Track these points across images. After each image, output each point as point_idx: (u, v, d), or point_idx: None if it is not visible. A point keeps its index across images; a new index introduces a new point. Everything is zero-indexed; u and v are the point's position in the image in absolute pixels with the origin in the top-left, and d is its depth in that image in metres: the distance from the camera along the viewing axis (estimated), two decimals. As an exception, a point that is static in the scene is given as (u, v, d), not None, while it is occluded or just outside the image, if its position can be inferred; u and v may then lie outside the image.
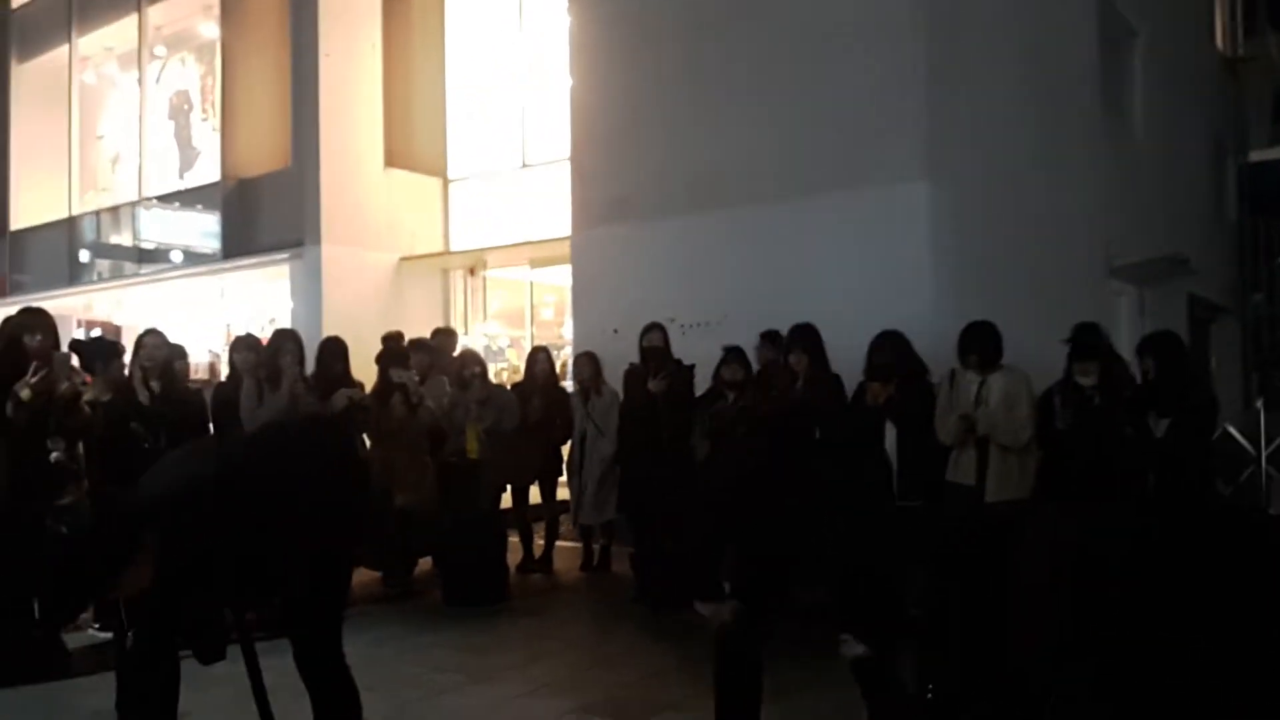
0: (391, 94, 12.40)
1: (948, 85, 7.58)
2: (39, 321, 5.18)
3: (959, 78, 7.76)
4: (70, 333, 13.19)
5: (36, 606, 3.86)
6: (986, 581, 5.34)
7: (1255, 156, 16.89)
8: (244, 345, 6.25)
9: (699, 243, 8.19)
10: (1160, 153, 11.82)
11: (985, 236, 7.77)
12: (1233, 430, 9.66)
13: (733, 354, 6.16)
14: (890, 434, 5.62)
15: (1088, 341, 5.32)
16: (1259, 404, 10.32)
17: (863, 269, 7.34)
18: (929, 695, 2.98)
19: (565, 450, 7.44)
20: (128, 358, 5.94)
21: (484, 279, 12.68)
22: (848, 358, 5.75)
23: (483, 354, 8.76)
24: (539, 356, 7.74)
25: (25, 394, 4.73)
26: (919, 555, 5.44)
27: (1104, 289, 10.05)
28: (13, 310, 5.63)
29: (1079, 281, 9.33)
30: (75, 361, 5.25)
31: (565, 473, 7.37)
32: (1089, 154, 9.85)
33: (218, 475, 2.88)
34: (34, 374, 4.74)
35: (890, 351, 5.56)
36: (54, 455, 4.98)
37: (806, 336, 5.84)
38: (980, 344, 5.39)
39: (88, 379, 5.63)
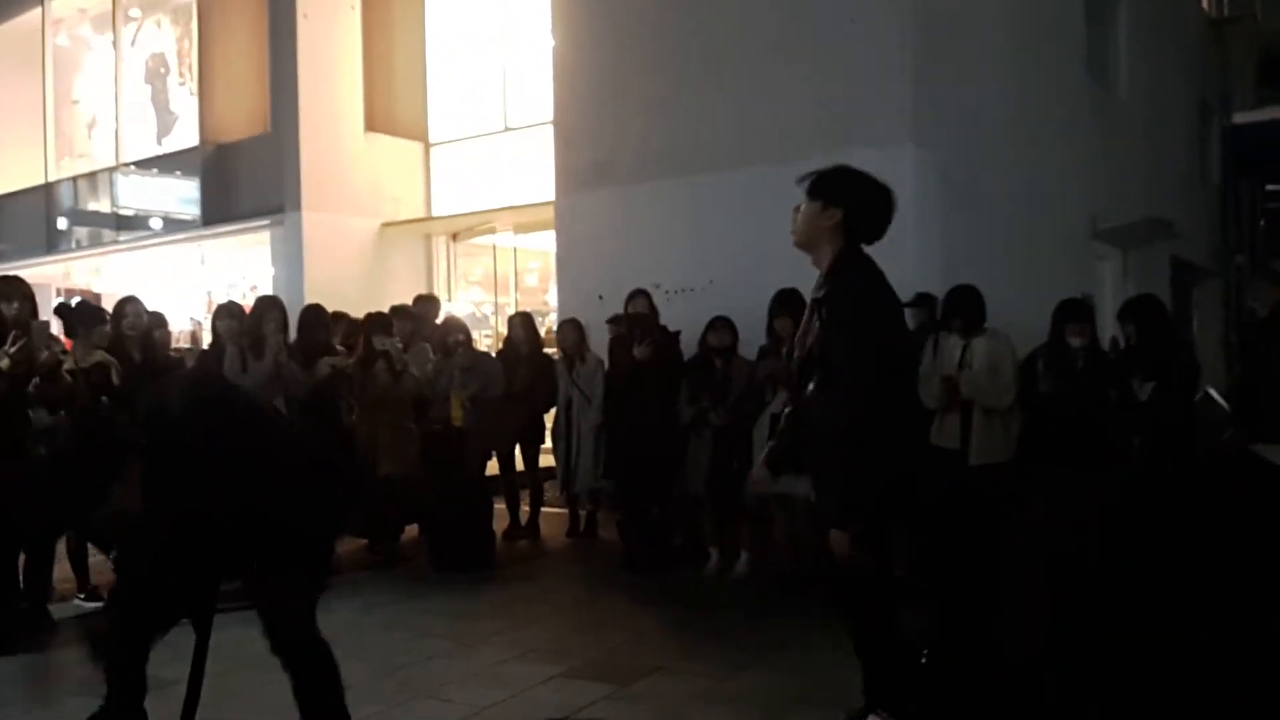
0: (371, 57, 12.24)
1: (933, 48, 7.53)
2: (15, 289, 5.13)
3: (944, 41, 7.71)
4: (50, 301, 13.07)
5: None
6: (971, 543, 5.40)
7: (1239, 119, 16.89)
8: (227, 313, 6.19)
9: (684, 208, 8.15)
10: (1144, 115, 11.81)
11: (970, 200, 7.76)
12: (1213, 393, 9.72)
13: (720, 320, 6.15)
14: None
15: (1075, 301, 5.35)
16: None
17: (848, 234, 7.32)
18: (923, 659, 2.98)
19: (549, 417, 7.45)
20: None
21: (466, 245, 12.61)
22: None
23: (467, 321, 8.72)
24: (515, 321, 7.69)
25: (4, 363, 4.68)
26: (903, 517, 5.50)
27: (1087, 252, 10.07)
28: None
29: (1063, 245, 9.35)
30: (58, 326, 5.20)
31: (550, 439, 7.37)
32: (1073, 117, 9.83)
33: (185, 405, 2.86)
34: (13, 343, 4.70)
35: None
36: (36, 424, 4.95)
37: (791, 301, 5.83)
38: (964, 308, 5.41)
39: (67, 345, 5.59)
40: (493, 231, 12.13)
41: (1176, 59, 13.57)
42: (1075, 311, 5.30)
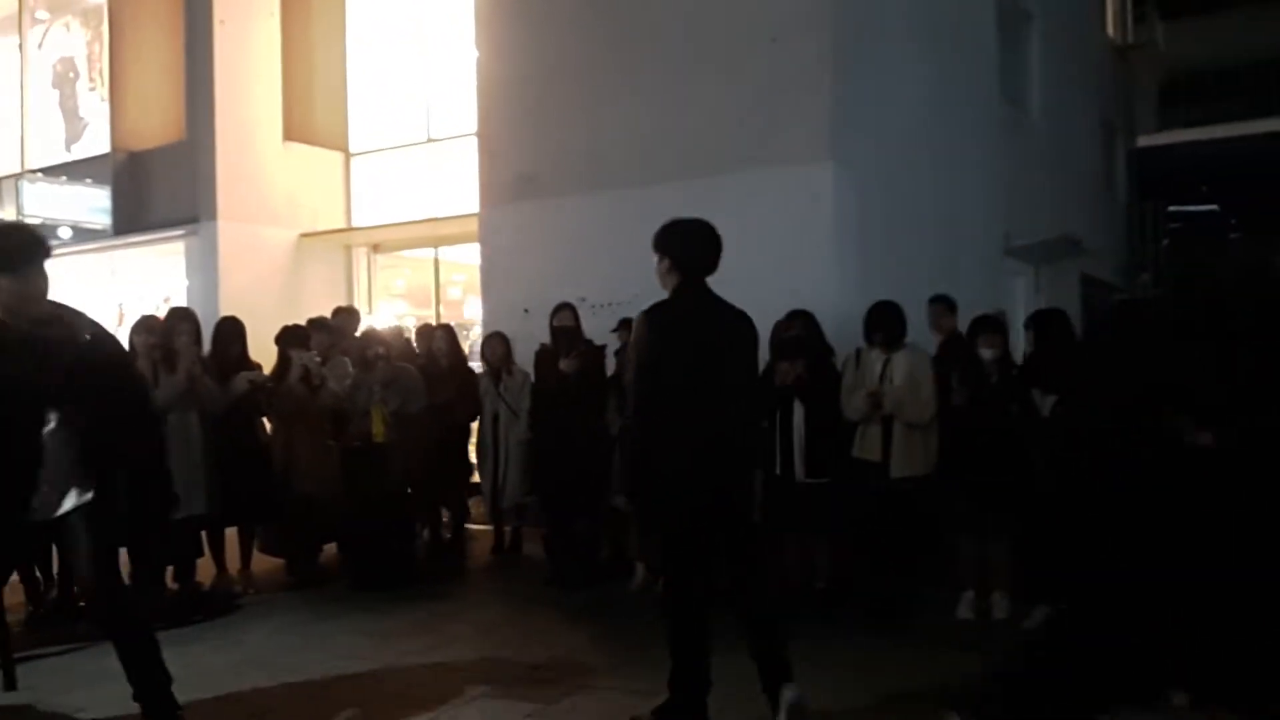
0: (290, 64, 12.01)
1: (852, 67, 7.67)
2: None
3: (863, 60, 7.86)
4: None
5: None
6: (891, 554, 5.49)
7: (1143, 141, 17.57)
8: (143, 327, 5.98)
9: (608, 221, 8.15)
10: (1055, 136, 12.20)
11: (887, 217, 7.92)
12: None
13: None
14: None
15: (990, 316, 5.47)
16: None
17: (771, 248, 7.39)
18: None
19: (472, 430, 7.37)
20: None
21: (387, 257, 12.44)
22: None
23: (388, 334, 8.58)
24: (439, 334, 7.57)
25: None
26: (825, 529, 5.57)
27: (1000, 269, 10.35)
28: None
29: (977, 262, 9.58)
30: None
31: (475, 454, 7.29)
32: (988, 137, 10.11)
33: None
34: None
35: (800, 330, 5.63)
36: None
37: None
38: (885, 324, 5.51)
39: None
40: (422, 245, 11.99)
41: (1084, 82, 14.06)
42: (988, 325, 5.43)
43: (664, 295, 3.89)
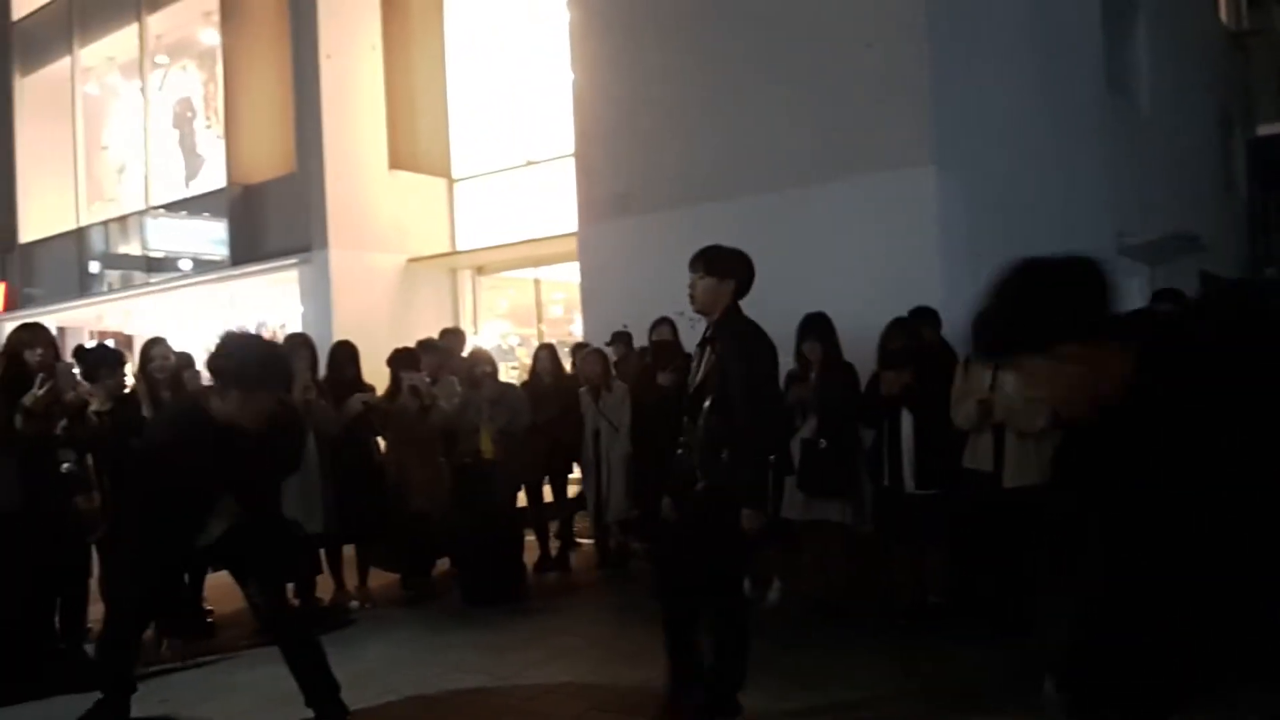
0: (393, 94, 12.40)
1: (951, 68, 7.54)
2: (38, 337, 5.20)
3: (962, 60, 7.72)
4: (85, 344, 13.23)
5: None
6: (1007, 567, 5.33)
7: (1263, 131, 16.78)
8: None
9: (705, 235, 8.05)
10: (1167, 129, 11.75)
11: (993, 220, 7.73)
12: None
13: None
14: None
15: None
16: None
17: (872, 256, 7.31)
18: None
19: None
20: (132, 367, 5.95)
21: (491, 279, 12.69)
22: (859, 346, 5.73)
23: (493, 353, 8.75)
24: (541, 354, 7.72)
25: (34, 405, 4.75)
26: (936, 541, 5.44)
27: (1114, 269, 9.98)
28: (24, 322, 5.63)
29: (1089, 262, 9.26)
30: (77, 370, 5.27)
31: (579, 470, 7.36)
32: (1095, 133, 9.79)
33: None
34: (40, 386, 4.77)
35: (904, 338, 5.54)
36: (65, 465, 5.01)
37: (819, 325, 5.81)
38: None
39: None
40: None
41: (1197, 72, 13.52)
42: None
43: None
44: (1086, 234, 9.32)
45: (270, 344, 3.90)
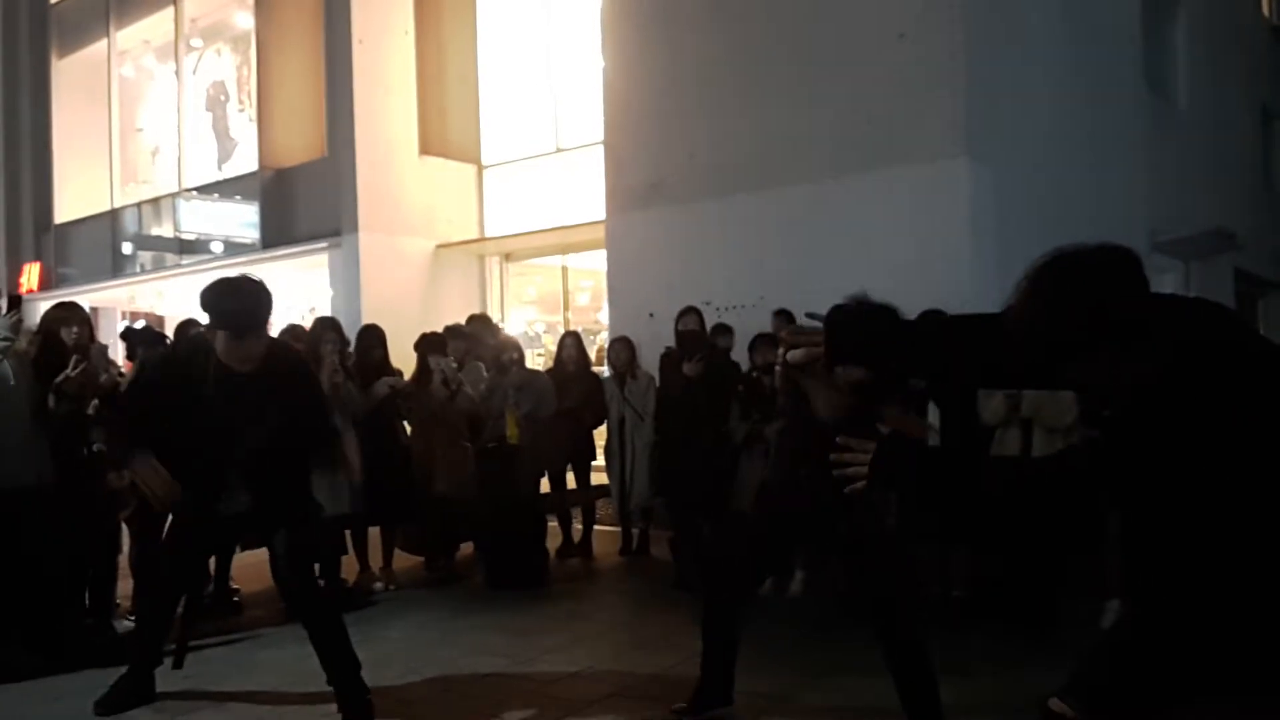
0: (425, 80, 12.44)
1: (985, 60, 7.47)
2: (74, 315, 5.27)
3: (996, 52, 7.65)
4: (115, 324, 13.40)
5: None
6: (1033, 562, 5.29)
7: (1304, 126, 16.46)
8: (292, 335, 6.29)
9: (734, 225, 8.15)
10: (1204, 123, 11.59)
11: (1026, 213, 7.66)
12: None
13: (763, 338, 6.12)
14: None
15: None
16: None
17: (902, 248, 7.26)
18: None
19: (599, 435, 7.47)
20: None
21: (518, 265, 12.72)
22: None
23: (520, 340, 8.78)
24: (567, 342, 7.73)
25: (68, 387, 4.82)
26: (963, 536, 5.42)
27: (1148, 265, 9.84)
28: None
29: (1122, 258, 9.16)
30: (123, 349, 5.34)
31: (604, 458, 7.38)
32: (1132, 128, 9.68)
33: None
34: (74, 366, 4.83)
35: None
36: (96, 445, 5.07)
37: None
38: (1023, 323, 5.32)
39: (127, 367, 5.72)
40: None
41: (1237, 65, 13.30)
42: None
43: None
44: (1119, 229, 9.18)
45: (242, 288, 3.91)
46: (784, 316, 6.39)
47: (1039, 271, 1.86)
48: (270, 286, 3.99)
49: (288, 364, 4.06)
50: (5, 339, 4.65)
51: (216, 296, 3.84)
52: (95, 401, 5.07)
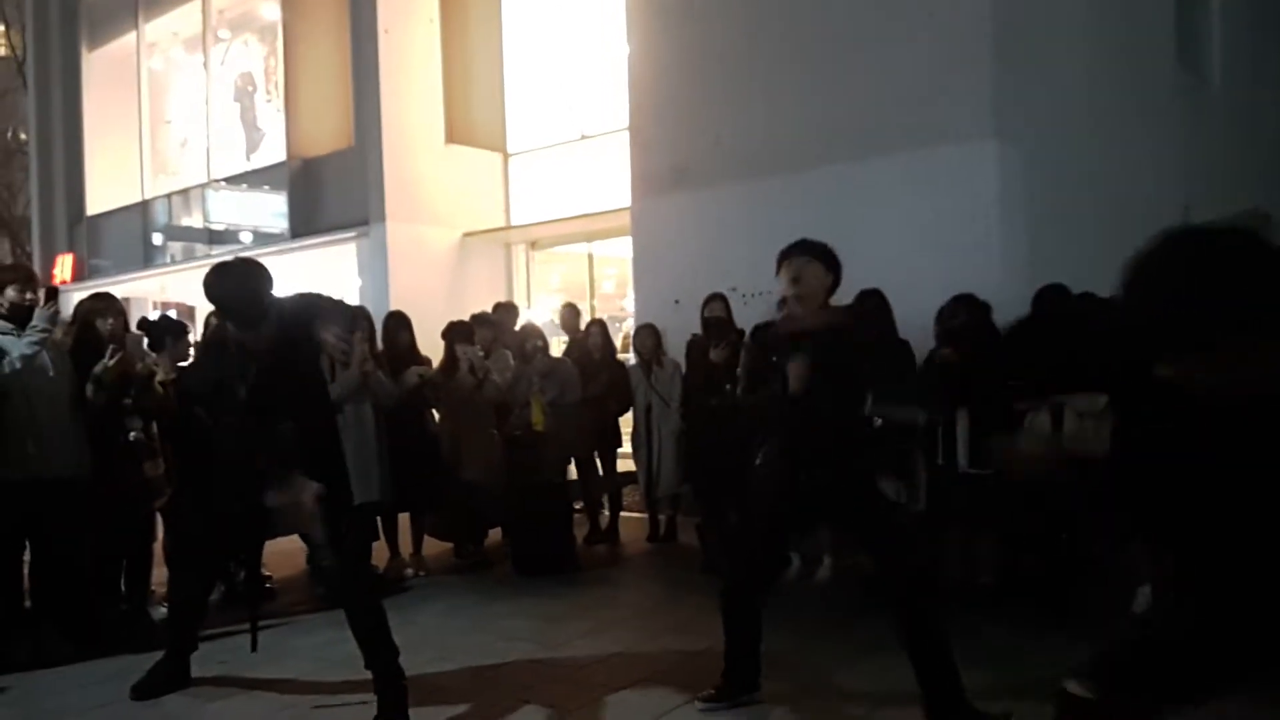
0: (450, 69, 12.45)
1: (1014, 39, 7.37)
2: (109, 306, 5.33)
3: (1025, 30, 7.54)
4: (150, 314, 13.51)
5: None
6: (1058, 548, 5.25)
7: (1342, 103, 16.12)
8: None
9: (760, 210, 8.10)
10: (1240, 103, 11.37)
11: (1055, 195, 7.57)
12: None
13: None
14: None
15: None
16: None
17: (929, 231, 7.19)
18: None
19: (624, 422, 7.48)
20: (195, 337, 6.08)
21: (544, 253, 12.73)
22: (916, 323, 5.65)
23: (545, 328, 8.80)
24: (592, 329, 7.73)
25: (105, 376, 4.88)
26: (989, 523, 5.38)
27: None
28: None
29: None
30: (144, 341, 5.40)
31: (631, 445, 7.39)
32: (1164, 107, 9.52)
33: None
34: (111, 356, 4.89)
35: (964, 316, 5.46)
36: (132, 434, 5.14)
37: (874, 301, 5.74)
38: (1054, 306, 5.27)
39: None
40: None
41: (1274, 43, 13.04)
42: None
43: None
44: (1150, 210, 9.07)
45: (238, 272, 3.97)
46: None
47: (1169, 255, 1.73)
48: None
49: (295, 338, 4.09)
50: (43, 330, 4.72)
51: (213, 280, 3.99)
52: (131, 391, 5.13)
